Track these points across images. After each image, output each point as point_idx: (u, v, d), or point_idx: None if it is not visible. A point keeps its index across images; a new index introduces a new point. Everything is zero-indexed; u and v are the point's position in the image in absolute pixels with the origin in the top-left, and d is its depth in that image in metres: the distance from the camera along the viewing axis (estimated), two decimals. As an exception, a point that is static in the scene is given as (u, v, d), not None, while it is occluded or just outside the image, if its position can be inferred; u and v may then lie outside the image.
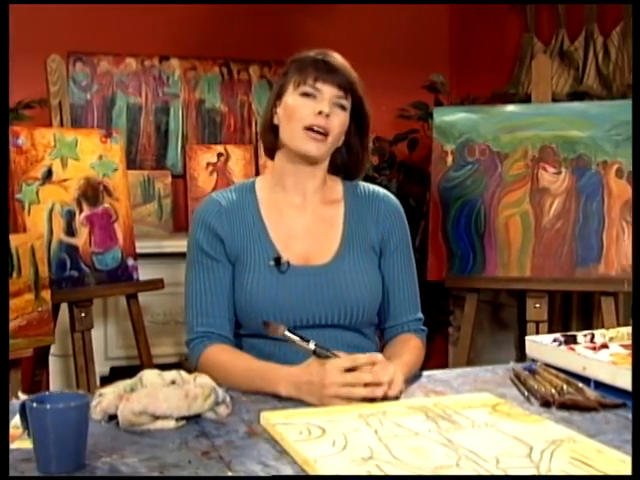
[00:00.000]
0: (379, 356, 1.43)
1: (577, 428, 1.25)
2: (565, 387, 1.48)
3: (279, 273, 1.60)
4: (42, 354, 2.81)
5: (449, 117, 2.98)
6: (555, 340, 1.74)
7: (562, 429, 1.22)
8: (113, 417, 1.28)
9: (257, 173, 3.79)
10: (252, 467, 1.09)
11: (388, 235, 1.70)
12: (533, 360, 1.72)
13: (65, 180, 2.70)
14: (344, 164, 1.72)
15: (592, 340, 1.77)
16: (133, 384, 1.32)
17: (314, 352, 1.42)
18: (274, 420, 1.24)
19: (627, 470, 1.02)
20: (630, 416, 1.35)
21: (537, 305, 2.80)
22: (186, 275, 1.67)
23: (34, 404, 1.07)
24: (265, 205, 1.68)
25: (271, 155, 1.71)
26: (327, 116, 1.59)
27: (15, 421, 1.23)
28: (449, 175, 2.96)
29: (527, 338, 1.76)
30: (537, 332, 2.82)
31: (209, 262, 1.63)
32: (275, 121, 1.66)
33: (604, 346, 1.72)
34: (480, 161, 2.92)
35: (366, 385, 1.36)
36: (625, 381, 1.43)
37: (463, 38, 4.27)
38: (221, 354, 1.58)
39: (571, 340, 1.75)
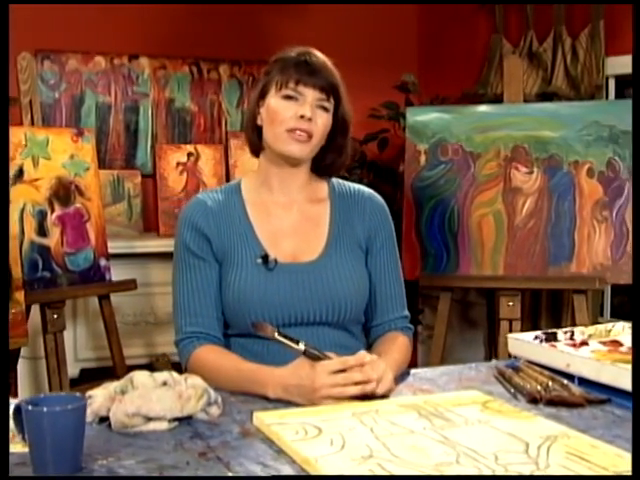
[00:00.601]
0: (367, 355, 1.43)
1: (566, 424, 1.27)
2: (550, 384, 1.50)
3: (267, 271, 1.60)
4: (13, 357, 2.76)
5: (422, 117, 3.00)
6: (536, 337, 1.76)
7: (554, 425, 1.23)
8: (104, 419, 1.27)
9: (227, 173, 3.77)
10: (251, 467, 1.08)
11: (374, 233, 1.71)
12: (515, 357, 1.74)
13: (36, 180, 2.67)
14: (325, 162, 1.71)
15: (572, 337, 1.79)
16: (123, 386, 1.30)
17: (304, 353, 1.41)
18: (268, 420, 1.24)
19: (624, 464, 1.04)
20: (617, 412, 1.37)
21: (510, 303, 2.84)
22: (173, 275, 1.66)
23: (29, 407, 1.05)
24: (251, 205, 1.67)
25: (256, 154, 1.71)
26: (309, 120, 1.59)
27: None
28: (422, 175, 2.98)
29: (509, 336, 1.77)
30: (510, 330, 2.86)
31: (196, 262, 1.62)
32: (258, 122, 1.66)
33: (584, 343, 1.74)
34: (453, 161, 2.95)
35: (357, 383, 1.36)
36: (609, 377, 1.45)
37: (432, 39, 4.30)
38: (210, 355, 1.57)
39: (552, 337, 1.77)
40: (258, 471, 1.07)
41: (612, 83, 3.39)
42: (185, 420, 1.28)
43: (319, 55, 1.66)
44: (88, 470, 1.07)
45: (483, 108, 3.00)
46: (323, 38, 4.07)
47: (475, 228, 2.89)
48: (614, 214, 2.76)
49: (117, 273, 3.00)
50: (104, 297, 2.89)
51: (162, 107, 3.73)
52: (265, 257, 1.61)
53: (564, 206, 2.81)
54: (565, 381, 1.51)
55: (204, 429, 1.25)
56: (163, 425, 1.25)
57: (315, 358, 1.40)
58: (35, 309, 2.71)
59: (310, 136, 1.60)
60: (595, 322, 3.03)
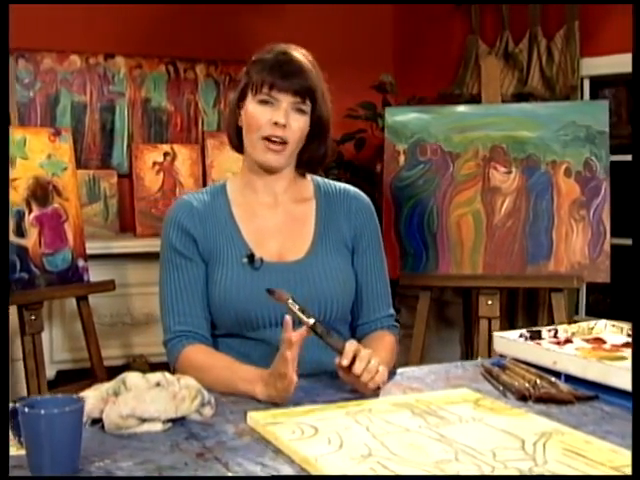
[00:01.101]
0: (361, 349, 1.42)
1: (557, 421, 1.28)
2: (539, 381, 1.51)
3: (253, 270, 1.60)
4: (-11, 359, 2.72)
5: (401, 117, 3.01)
6: (521, 336, 1.78)
7: (547, 422, 1.25)
8: (96, 421, 1.26)
9: (204, 173, 3.76)
10: (250, 467, 1.08)
11: (360, 232, 1.71)
12: (501, 355, 1.75)
13: (14, 180, 2.63)
14: (303, 158, 1.70)
15: (556, 335, 1.81)
16: (115, 387, 1.29)
17: (312, 327, 1.40)
18: (263, 420, 1.24)
19: (620, 459, 1.05)
20: (606, 408, 1.39)
21: (489, 302, 2.86)
22: (160, 276, 1.65)
23: (26, 409, 1.04)
24: (236, 206, 1.67)
25: (240, 150, 1.70)
26: (284, 126, 1.58)
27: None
28: (401, 174, 2.99)
29: (495, 334, 1.79)
30: (489, 328, 2.88)
31: (182, 262, 1.61)
32: (239, 122, 1.65)
33: (568, 341, 1.77)
34: (432, 161, 2.96)
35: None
36: (596, 374, 1.47)
37: (408, 39, 4.32)
38: (199, 354, 1.56)
39: (536, 335, 1.79)
40: (258, 471, 1.07)
41: (587, 84, 3.43)
42: (178, 421, 1.27)
43: (297, 54, 1.63)
44: (85, 472, 1.06)
45: (461, 108, 3.02)
46: (299, 38, 4.04)
47: (454, 228, 2.91)
48: (591, 213, 2.80)
49: (93, 274, 2.98)
50: (82, 298, 2.87)
51: (138, 106, 3.70)
52: (251, 257, 1.60)
53: (542, 205, 2.84)
54: (553, 378, 1.52)
55: (199, 430, 1.25)
56: (157, 426, 1.25)
57: (321, 335, 1.40)
58: (13, 310, 2.67)
59: (285, 143, 1.60)
60: (571, 320, 3.06)
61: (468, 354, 3.89)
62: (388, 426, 1.21)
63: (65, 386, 3.04)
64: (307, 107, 1.62)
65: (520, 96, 3.46)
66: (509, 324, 3.45)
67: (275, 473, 1.06)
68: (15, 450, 1.13)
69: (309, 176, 1.76)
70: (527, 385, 1.50)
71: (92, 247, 3.17)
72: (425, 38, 4.18)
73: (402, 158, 2.99)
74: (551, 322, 3.37)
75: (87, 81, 3.61)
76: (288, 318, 1.36)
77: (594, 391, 1.46)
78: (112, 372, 3.13)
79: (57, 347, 3.42)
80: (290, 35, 3.87)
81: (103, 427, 1.24)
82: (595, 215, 2.79)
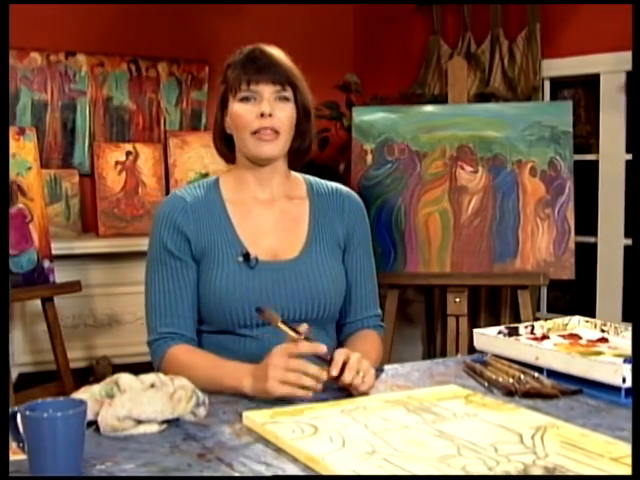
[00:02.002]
0: (351, 353, 1.43)
1: (546, 415, 1.31)
2: (522, 377, 1.54)
3: (248, 269, 1.59)
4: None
5: (368, 117, 3.03)
6: (500, 332, 1.81)
7: (539, 416, 1.27)
8: (90, 423, 1.24)
9: (167, 172, 3.72)
10: (255, 467, 1.08)
11: (352, 231, 1.72)
12: (481, 352, 1.78)
13: (-22, 179, 2.57)
14: (291, 148, 1.68)
15: (532, 332, 1.85)
16: (108, 389, 1.28)
17: None
18: (260, 420, 1.24)
19: (618, 451, 1.08)
20: (591, 402, 1.42)
21: (457, 299, 2.90)
22: (148, 274, 1.63)
23: (27, 412, 1.02)
24: (231, 203, 1.66)
25: (230, 160, 1.70)
26: (270, 115, 1.58)
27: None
28: (369, 174, 3.01)
29: (475, 331, 1.81)
30: (457, 326, 2.92)
31: (173, 262, 1.60)
32: (228, 130, 1.65)
33: (545, 337, 1.80)
34: (399, 160, 2.99)
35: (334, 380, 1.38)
36: (580, 369, 1.50)
37: (369, 39, 4.34)
38: (185, 353, 1.55)
39: (514, 332, 1.82)
40: (263, 470, 1.07)
41: (547, 85, 3.49)
42: (173, 422, 1.26)
43: (267, 49, 1.64)
44: (87, 476, 1.05)
45: (428, 108, 3.05)
46: (260, 37, 4.02)
47: (422, 226, 2.94)
48: (556, 211, 2.85)
49: (55, 275, 2.93)
50: (48, 299, 2.82)
51: (100, 105, 3.65)
52: (246, 255, 1.60)
53: (508, 204, 2.89)
54: (536, 374, 1.55)
55: (195, 430, 1.24)
56: (153, 428, 1.24)
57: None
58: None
59: (276, 132, 1.59)
60: (534, 317, 3.12)
61: (430, 352, 3.93)
62: (386, 423, 1.22)
63: (28, 389, 2.98)
64: (289, 94, 1.61)
65: (482, 96, 3.51)
66: (472, 323, 3.49)
67: (281, 472, 1.06)
68: (11, 455, 1.11)
69: (300, 175, 1.76)
70: (512, 381, 1.52)
71: (54, 248, 3.12)
72: (386, 38, 4.21)
73: (370, 157, 3.01)
74: (513, 319, 3.43)
75: (48, 79, 3.55)
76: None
77: (576, 385, 1.50)
78: (75, 375, 3.11)
79: (18, 349, 3.35)
80: (251, 35, 3.85)
81: (98, 429, 1.22)
82: (560, 213, 2.85)
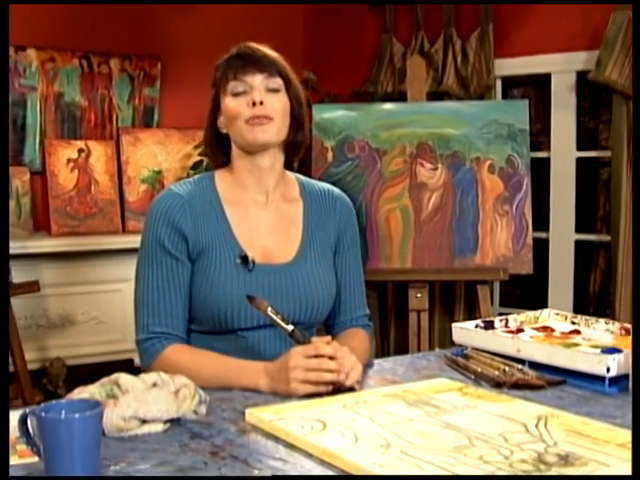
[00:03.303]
0: (340, 346, 1.46)
1: (540, 405, 1.34)
2: (507, 369, 1.58)
3: (245, 271, 1.59)
4: None
5: (328, 114, 3.05)
6: (476, 326, 1.85)
7: (536, 406, 1.31)
8: (92, 425, 1.22)
9: (119, 169, 3.67)
10: (272, 463, 1.08)
11: (343, 233, 1.74)
12: (460, 346, 1.81)
13: None
14: (288, 140, 1.66)
15: (507, 325, 1.89)
16: (108, 389, 1.26)
17: (291, 334, 1.45)
18: (266, 417, 1.24)
19: (622, 437, 1.12)
20: (577, 392, 1.46)
21: (418, 295, 2.94)
22: (140, 270, 1.60)
23: (43, 414, 1.00)
24: (227, 202, 1.64)
25: (220, 165, 1.69)
26: (261, 103, 1.57)
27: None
28: (330, 171, 3.03)
29: (454, 325, 1.84)
30: (419, 321, 2.97)
31: (169, 260, 1.57)
32: (223, 130, 1.64)
33: (520, 330, 1.85)
34: (360, 157, 3.02)
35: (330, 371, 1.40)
36: (563, 360, 1.54)
37: (320, 37, 4.35)
38: (184, 353, 1.54)
39: (490, 326, 1.86)
40: (280, 466, 1.07)
41: (499, 84, 3.57)
42: (175, 421, 1.26)
43: (254, 45, 1.65)
44: (103, 477, 1.04)
45: (388, 106, 3.09)
46: (212, 35, 4.04)
47: (383, 223, 2.98)
48: (514, 208, 2.92)
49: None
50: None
51: (51, 101, 3.57)
52: (244, 258, 1.59)
53: (468, 201, 2.94)
54: (520, 366, 1.59)
55: (200, 429, 1.24)
56: (158, 427, 1.23)
57: (299, 341, 1.44)
58: None
59: (270, 118, 1.58)
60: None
61: (384, 348, 3.97)
62: (390, 416, 1.23)
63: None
64: (279, 85, 1.60)
65: (435, 95, 3.56)
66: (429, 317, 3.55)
67: (300, 468, 1.07)
68: (17, 458, 1.09)
69: (292, 175, 1.76)
70: (497, 373, 1.56)
71: (7, 247, 3.05)
72: (338, 37, 4.23)
73: (330, 155, 3.03)
74: (467, 315, 3.50)
75: (-4, 74, 3.45)
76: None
77: (560, 376, 1.54)
78: (30, 376, 3.03)
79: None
80: (203, 32, 3.87)
81: (103, 431, 1.21)
82: (518, 210, 2.92)
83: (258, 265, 1.60)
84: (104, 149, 3.65)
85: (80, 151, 3.58)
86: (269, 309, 1.47)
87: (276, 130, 1.60)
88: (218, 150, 1.67)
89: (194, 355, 1.54)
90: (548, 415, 1.24)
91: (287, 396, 1.39)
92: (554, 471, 0.99)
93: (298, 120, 1.65)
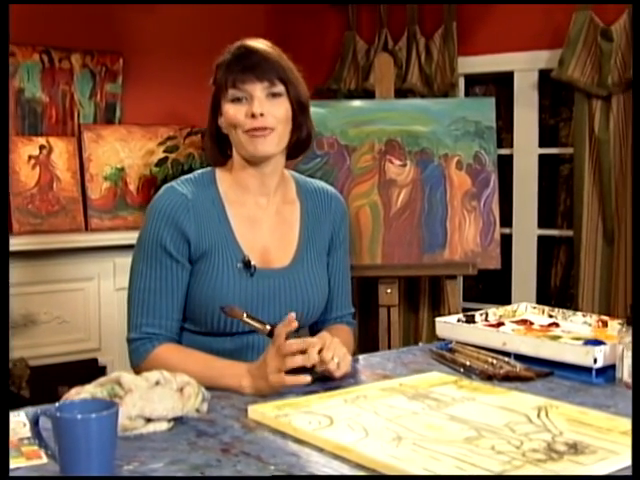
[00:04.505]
0: (329, 337, 1.46)
1: (534, 396, 1.38)
2: (495, 362, 1.61)
3: (247, 276, 1.58)
4: None
5: (297, 111, 3.05)
6: (458, 320, 1.88)
7: (532, 397, 1.34)
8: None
9: (82, 166, 3.61)
10: (286, 459, 1.09)
11: (336, 233, 1.75)
12: (443, 340, 1.84)
13: None
14: (290, 142, 1.64)
15: (487, 319, 1.93)
16: (109, 389, 1.25)
17: (269, 334, 1.46)
18: (270, 413, 1.24)
19: (623, 425, 1.16)
20: (566, 383, 1.50)
21: (388, 290, 2.97)
22: (137, 268, 1.57)
23: (58, 414, 0.99)
24: (230, 203, 1.62)
25: (219, 163, 1.66)
26: (262, 115, 1.54)
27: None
28: (299, 168, 3.00)
29: (437, 320, 1.87)
30: (389, 316, 2.99)
31: (169, 262, 1.55)
32: (224, 130, 1.61)
33: (501, 324, 1.89)
34: (329, 154, 3.03)
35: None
36: (550, 352, 1.58)
37: (281, 35, 4.34)
38: (173, 353, 1.53)
39: (471, 320, 1.89)
40: (295, 461, 1.08)
41: (462, 81, 3.61)
42: (178, 420, 1.25)
43: (254, 44, 1.62)
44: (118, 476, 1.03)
45: (357, 103, 3.11)
46: (175, 32, 4.02)
47: (353, 219, 2.99)
48: (482, 204, 2.97)
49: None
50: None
51: (11, 97, 3.48)
52: (247, 263, 1.58)
53: (436, 197, 2.98)
54: (506, 358, 1.63)
55: (204, 427, 1.23)
56: (163, 426, 1.22)
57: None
58: None
59: (271, 129, 1.56)
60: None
61: (356, 344, 3.99)
62: (395, 410, 1.25)
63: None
64: (280, 89, 1.57)
65: (399, 92, 3.59)
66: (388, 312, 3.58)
67: (315, 463, 1.08)
68: (25, 460, 1.08)
69: (288, 173, 1.74)
70: (486, 366, 1.59)
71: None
72: (299, 34, 4.22)
73: (299, 151, 3.03)
74: (432, 310, 3.54)
75: (-46, 69, 3.37)
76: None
77: (546, 368, 1.57)
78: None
79: None
80: (166, 29, 3.83)
81: (106, 430, 1.20)
82: (485, 205, 2.97)
83: (258, 270, 1.60)
84: (66, 146, 3.58)
85: (41, 148, 3.51)
86: (244, 315, 1.48)
87: (277, 140, 1.58)
88: (218, 149, 1.65)
89: (182, 355, 1.53)
90: (547, 406, 1.27)
91: (270, 394, 1.38)
92: (566, 459, 1.02)
93: (299, 122, 1.62)
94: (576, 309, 3.14)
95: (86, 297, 3.49)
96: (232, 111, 1.56)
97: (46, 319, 3.50)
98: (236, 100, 1.57)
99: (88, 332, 3.49)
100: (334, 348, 1.43)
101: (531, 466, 0.99)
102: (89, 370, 3.47)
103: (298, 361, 1.38)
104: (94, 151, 3.64)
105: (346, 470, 1.05)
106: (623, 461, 1.02)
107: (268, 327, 1.46)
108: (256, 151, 1.56)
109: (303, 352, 1.40)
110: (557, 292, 3.58)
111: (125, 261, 3.57)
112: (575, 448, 1.06)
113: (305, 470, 1.05)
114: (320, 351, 1.42)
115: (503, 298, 3.47)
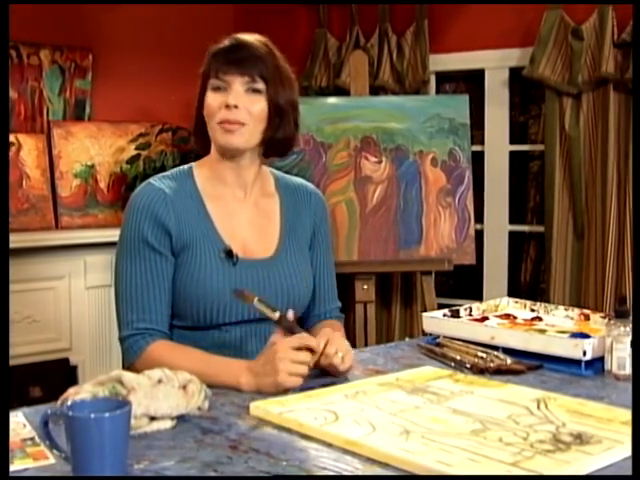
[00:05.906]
0: (331, 332, 1.48)
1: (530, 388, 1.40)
2: (485, 355, 1.63)
3: (230, 266, 1.58)
4: None
5: (272, 108, 3.05)
6: (444, 315, 1.90)
7: (529, 389, 1.36)
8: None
9: (51, 164, 3.56)
10: (296, 454, 1.09)
11: (318, 228, 1.76)
12: (430, 334, 1.86)
13: None
14: (265, 141, 1.63)
15: (470, 313, 1.95)
16: (110, 387, 1.24)
17: (278, 321, 1.46)
18: (274, 409, 1.25)
19: (622, 415, 1.18)
20: (556, 375, 1.52)
21: (365, 287, 2.99)
22: (121, 265, 1.57)
23: (70, 413, 0.98)
24: (208, 197, 1.63)
25: (204, 152, 1.67)
26: (236, 107, 1.55)
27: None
28: (274, 164, 2.99)
29: (424, 315, 1.89)
30: (365, 312, 3.01)
31: (152, 255, 1.55)
32: (206, 119, 1.61)
33: (485, 318, 1.91)
34: (305, 151, 3.03)
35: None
36: (539, 345, 1.61)
37: (250, 32, 4.32)
38: (168, 350, 1.52)
39: (456, 314, 1.92)
40: (305, 457, 1.09)
41: (433, 79, 3.64)
42: (180, 418, 1.25)
43: (248, 38, 1.62)
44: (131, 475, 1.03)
45: (332, 100, 3.12)
46: (144, 29, 3.98)
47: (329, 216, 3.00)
48: (457, 200, 3.00)
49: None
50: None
51: (-22, 93, 3.43)
52: (229, 252, 1.59)
53: (412, 193, 3.00)
54: (496, 352, 1.65)
55: (208, 424, 1.23)
56: (167, 424, 1.22)
57: (287, 329, 1.46)
58: None
59: (242, 124, 1.56)
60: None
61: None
62: (396, 404, 1.26)
63: None
64: (261, 87, 1.57)
65: (371, 89, 3.61)
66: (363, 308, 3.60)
67: (326, 458, 1.08)
68: (32, 461, 1.07)
69: (267, 169, 1.75)
70: (477, 360, 1.61)
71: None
72: (269, 31, 4.19)
73: (275, 148, 3.03)
74: (404, 306, 3.57)
75: None
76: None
77: (535, 361, 1.60)
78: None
79: None
80: (132, 25, 3.80)
81: (110, 429, 1.19)
82: (460, 202, 3.00)
83: (241, 259, 1.60)
84: (35, 143, 3.53)
85: (10, 145, 3.46)
86: (256, 300, 1.49)
87: (247, 136, 1.57)
88: (202, 140, 1.65)
89: (177, 352, 1.52)
90: (545, 398, 1.30)
91: (271, 392, 1.37)
92: (574, 449, 1.04)
93: (275, 124, 1.60)
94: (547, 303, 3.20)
95: (57, 296, 3.44)
96: (210, 99, 1.57)
97: (16, 318, 3.44)
98: (216, 89, 1.57)
99: (59, 332, 3.44)
100: (337, 342, 1.44)
101: (541, 457, 1.01)
102: (60, 370, 3.43)
103: (306, 371, 1.39)
104: (64, 148, 3.59)
105: (358, 464, 1.06)
106: (629, 450, 1.04)
107: (277, 314, 1.47)
108: (225, 143, 1.57)
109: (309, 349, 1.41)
110: (527, 287, 3.63)
111: (96, 259, 3.57)
112: (580, 438, 1.08)
113: (318, 466, 1.06)
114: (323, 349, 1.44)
115: (475, 293, 3.51)
